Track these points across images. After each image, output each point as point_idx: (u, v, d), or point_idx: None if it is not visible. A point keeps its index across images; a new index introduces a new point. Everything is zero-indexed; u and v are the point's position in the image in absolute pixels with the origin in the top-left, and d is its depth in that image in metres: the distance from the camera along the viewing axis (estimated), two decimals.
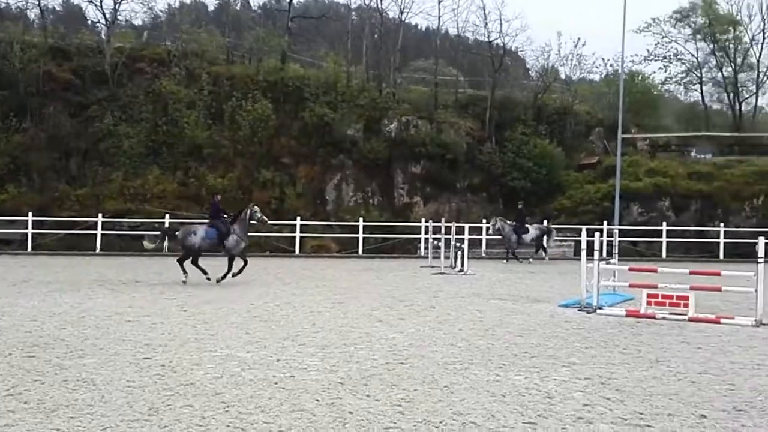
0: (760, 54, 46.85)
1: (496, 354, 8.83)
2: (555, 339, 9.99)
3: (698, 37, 46.52)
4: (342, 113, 34.03)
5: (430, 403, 6.46)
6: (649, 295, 12.62)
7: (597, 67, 43.51)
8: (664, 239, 29.97)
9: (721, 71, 47.31)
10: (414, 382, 7.26)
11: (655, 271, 14.15)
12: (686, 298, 12.35)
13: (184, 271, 16.92)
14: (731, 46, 46.41)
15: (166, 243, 19.76)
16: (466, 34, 45.60)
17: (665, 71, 48.18)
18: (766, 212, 32.16)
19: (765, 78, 47.94)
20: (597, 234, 13.88)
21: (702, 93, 49.67)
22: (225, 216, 17.67)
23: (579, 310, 12.91)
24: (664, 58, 47.45)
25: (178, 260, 17.45)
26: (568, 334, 10.41)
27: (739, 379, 7.72)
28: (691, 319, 11.92)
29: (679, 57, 47.51)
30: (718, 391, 7.14)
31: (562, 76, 42.35)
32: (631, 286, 13.70)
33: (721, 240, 29.85)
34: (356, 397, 6.64)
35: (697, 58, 47.52)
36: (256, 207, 17.86)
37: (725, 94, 48.51)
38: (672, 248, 30.16)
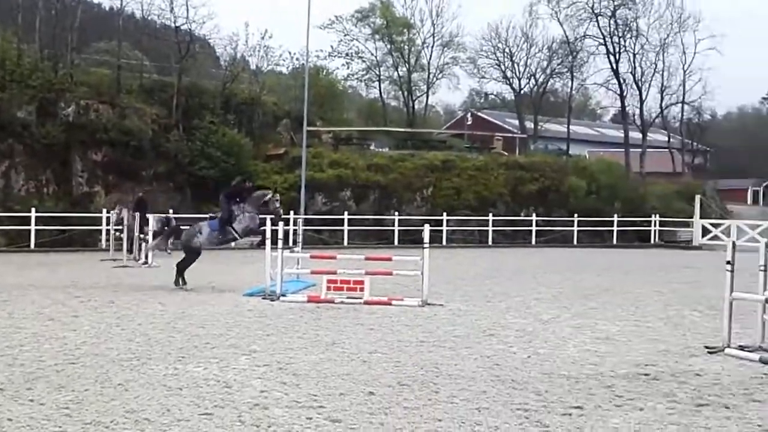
0: (431, 56, 51.30)
1: (175, 347, 8.63)
2: (237, 328, 10.03)
3: (377, 37, 49.64)
4: (11, 94, 30.96)
5: (102, 403, 6.13)
6: (328, 281, 13.20)
7: (284, 60, 44.41)
8: (345, 228, 31.60)
9: (397, 70, 50.99)
10: (85, 382, 6.83)
11: (334, 257, 14.82)
12: (362, 282, 13.11)
13: (184, 282, 14.78)
14: (406, 47, 50.19)
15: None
16: (152, 17, 43.97)
17: (348, 68, 50.73)
18: (434, 202, 35.30)
19: (434, 79, 52.57)
20: (281, 224, 14.20)
21: (381, 90, 53.20)
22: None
23: (263, 298, 13.12)
24: (347, 55, 49.94)
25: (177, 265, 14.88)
26: (251, 323, 10.52)
27: (404, 356, 8.36)
28: (366, 302, 12.69)
29: (360, 55, 50.30)
30: (386, 369, 7.67)
31: (252, 67, 42.66)
32: (313, 273, 14.20)
33: (396, 228, 32.25)
34: (18, 403, 6.08)
35: (376, 57, 50.70)
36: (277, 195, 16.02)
37: (401, 92, 52.42)
38: (353, 236, 31.89)
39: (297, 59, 43.86)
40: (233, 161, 33.33)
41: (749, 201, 65.97)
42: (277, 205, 15.82)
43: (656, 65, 50.23)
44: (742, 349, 8.70)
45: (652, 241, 36.34)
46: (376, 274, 13.71)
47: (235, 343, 8.96)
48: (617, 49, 48.30)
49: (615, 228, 35.69)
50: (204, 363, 7.76)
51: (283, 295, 13.21)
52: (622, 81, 49.00)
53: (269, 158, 35.75)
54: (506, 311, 12.16)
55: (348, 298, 12.86)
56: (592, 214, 35.87)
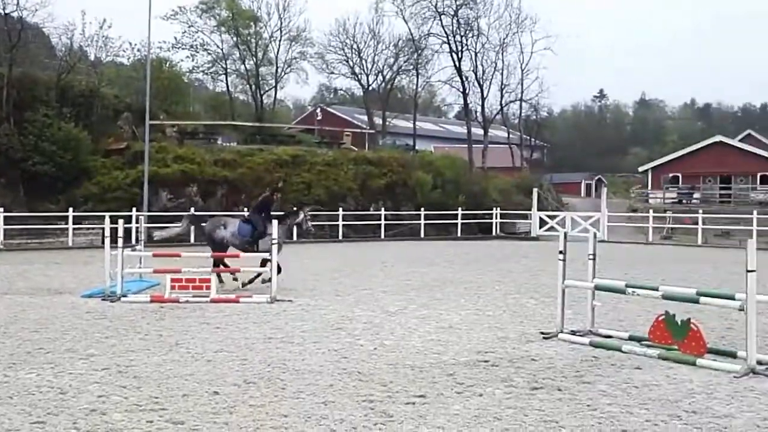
0: (278, 50, 50.88)
1: (6, 353, 8.11)
2: (74, 331, 9.55)
3: (223, 29, 48.63)
4: None
5: None
6: (173, 280, 12.81)
7: (125, 51, 42.55)
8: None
9: (244, 64, 50.22)
10: None
11: (179, 255, 14.39)
12: (208, 280, 12.84)
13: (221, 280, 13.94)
14: (253, 40, 49.50)
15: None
16: None
17: (193, 60, 49.41)
18: (284, 197, 34.98)
19: (283, 73, 52.19)
20: (121, 221, 13.62)
21: (228, 84, 52.17)
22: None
23: (103, 299, 12.55)
24: (191, 47, 48.61)
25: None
26: (89, 325, 10.05)
27: (251, 353, 8.26)
28: (213, 300, 12.43)
29: (205, 47, 49.10)
30: (231, 367, 7.55)
31: (91, 58, 40.63)
32: (155, 271, 13.73)
33: None
34: None
35: (222, 50, 49.69)
36: (309, 214, 15.61)
37: (248, 86, 51.66)
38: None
39: (139, 50, 42.22)
40: (70, 156, 31.69)
41: (582, 193, 70.18)
42: (310, 224, 15.94)
43: (496, 64, 52.39)
44: (573, 334, 9.23)
45: (493, 233, 37.82)
46: (222, 272, 13.45)
47: (72, 347, 8.52)
48: (460, 48, 49.93)
49: (459, 221, 36.85)
50: (37, 369, 7.34)
51: (124, 296, 12.71)
52: (464, 79, 50.72)
53: (109, 153, 34.20)
54: (355, 304, 12.28)
55: (194, 296, 12.55)
56: (437, 208, 36.90)
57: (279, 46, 50.75)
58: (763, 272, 12.25)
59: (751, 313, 7.26)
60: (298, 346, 8.72)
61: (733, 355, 7.98)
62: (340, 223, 33.45)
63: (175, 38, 48.13)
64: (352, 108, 62.75)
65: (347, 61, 53.40)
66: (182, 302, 12.25)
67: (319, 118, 54.93)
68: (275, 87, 52.91)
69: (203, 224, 15.75)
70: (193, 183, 33.62)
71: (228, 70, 50.92)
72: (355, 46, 52.94)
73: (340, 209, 33.88)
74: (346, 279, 16.43)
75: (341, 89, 60.95)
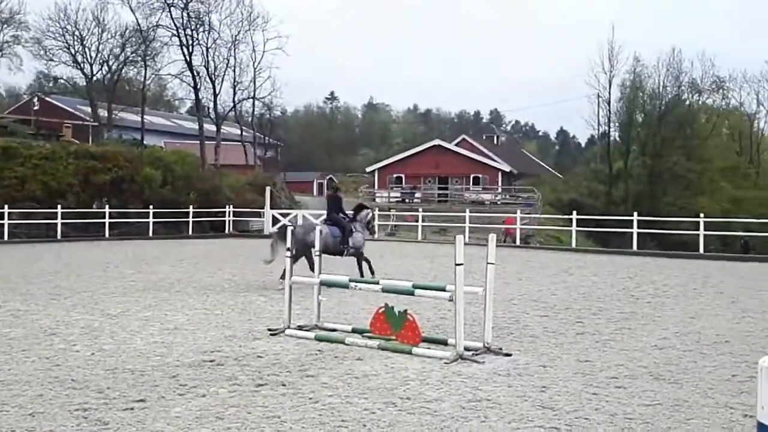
0: None
1: None
2: None
3: None
4: None
5: None
6: None
7: None
8: None
9: None
10: None
11: None
12: None
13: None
14: None
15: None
16: None
17: None
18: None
19: None
20: None
21: None
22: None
23: None
24: None
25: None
26: None
27: None
28: None
29: None
30: None
31: None
32: None
33: None
34: None
35: None
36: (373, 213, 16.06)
37: None
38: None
39: None
40: None
41: (315, 192, 71.89)
42: (374, 223, 16.01)
43: (228, 60, 51.87)
44: (300, 329, 9.40)
45: (226, 231, 37.47)
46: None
47: None
48: (191, 42, 48.72)
49: (191, 219, 36.03)
50: None
51: None
52: (196, 74, 49.57)
53: None
54: (72, 308, 11.49)
55: None
56: (168, 206, 35.76)
57: None
58: (475, 265, 13.41)
59: (459, 303, 7.87)
60: (4, 354, 7.97)
61: (444, 343, 8.60)
62: (59, 221, 31.16)
63: None
64: (75, 99, 58.64)
65: (68, 49, 49.72)
66: None
67: (36, 108, 50.74)
68: None
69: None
70: None
71: None
72: (77, 33, 49.48)
73: (59, 207, 31.51)
74: (63, 281, 15.32)
75: (62, 78, 56.69)
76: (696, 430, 5.56)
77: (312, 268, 12.03)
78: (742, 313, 11.44)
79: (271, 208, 37.22)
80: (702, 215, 26.48)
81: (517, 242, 31.12)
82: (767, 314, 11.29)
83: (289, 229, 10.37)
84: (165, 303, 12.15)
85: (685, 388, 6.74)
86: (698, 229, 25.66)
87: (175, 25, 48.24)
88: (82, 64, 50.44)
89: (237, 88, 53.61)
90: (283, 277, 13.04)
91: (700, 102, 66.42)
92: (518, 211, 33.27)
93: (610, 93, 61.46)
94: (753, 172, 69.68)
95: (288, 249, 9.62)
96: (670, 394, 6.52)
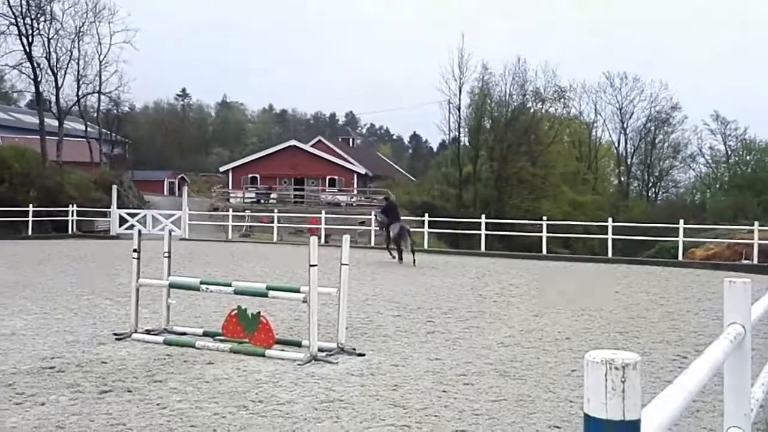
0: None
1: None
2: None
3: None
4: None
5: None
6: None
7: None
8: None
9: None
10: None
11: None
12: None
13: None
14: None
15: None
16: None
17: None
18: None
19: None
20: None
21: None
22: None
23: None
24: None
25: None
26: None
27: None
28: None
29: None
30: None
31: None
32: None
33: None
34: None
35: None
36: None
37: None
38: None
39: None
40: None
41: (165, 191, 69.80)
42: None
43: (72, 53, 49.25)
44: (148, 333, 9.09)
45: (70, 232, 35.63)
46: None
47: None
48: (30, 32, 45.97)
49: (30, 218, 34.00)
50: None
51: None
52: (36, 65, 46.80)
53: None
54: None
55: None
56: (5, 204, 33.55)
57: None
58: (330, 266, 13.45)
59: (313, 304, 7.87)
60: None
61: (298, 344, 8.57)
62: None
63: None
64: None
65: None
66: None
67: None
68: None
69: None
70: None
71: None
72: None
73: None
74: None
75: None
76: (538, 423, 5.84)
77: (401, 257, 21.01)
78: (581, 311, 12.12)
79: (118, 208, 35.76)
80: (545, 218, 27.85)
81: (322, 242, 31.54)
82: (604, 312, 12.02)
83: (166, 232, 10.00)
84: (1, 308, 11.39)
85: (529, 384, 7.06)
86: (542, 231, 26.97)
87: (14, 13, 45.28)
88: None
89: (81, 82, 50.97)
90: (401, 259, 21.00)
91: (543, 110, 69.67)
92: (373, 213, 33.70)
93: (460, 99, 63.35)
94: (591, 178, 74.06)
95: (135, 250, 9.27)
96: (515, 390, 6.81)
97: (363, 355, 8.20)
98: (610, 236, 25.64)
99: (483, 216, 29.48)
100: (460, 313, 11.70)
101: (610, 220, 26.78)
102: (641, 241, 31.34)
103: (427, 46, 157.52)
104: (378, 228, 24.87)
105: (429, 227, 30.17)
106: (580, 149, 76.60)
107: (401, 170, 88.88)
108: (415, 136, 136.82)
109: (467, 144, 67.24)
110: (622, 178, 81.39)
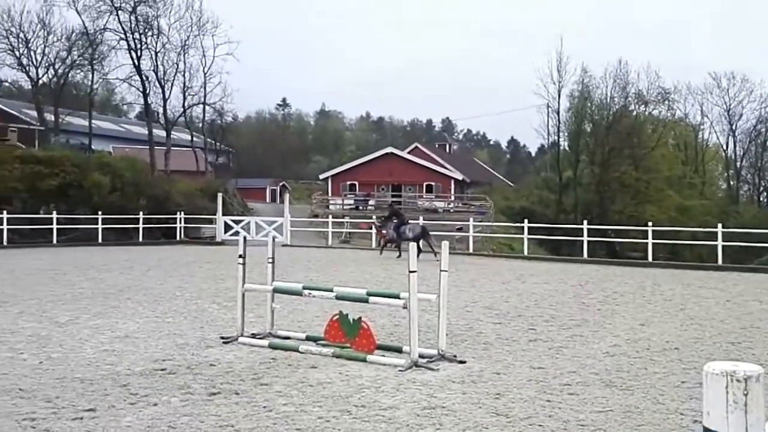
0: None
1: None
2: None
3: None
4: None
5: None
6: None
7: None
8: None
9: None
10: None
11: None
12: None
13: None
14: None
15: None
16: None
17: None
18: None
19: None
20: None
21: None
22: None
23: None
24: None
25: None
26: None
27: None
28: None
29: None
30: None
31: None
32: None
33: None
34: None
35: None
36: None
37: None
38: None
39: None
40: None
41: (267, 199, 71.50)
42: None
43: (178, 65, 51.28)
44: (254, 337, 9.31)
45: (178, 238, 36.97)
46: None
47: None
48: (139, 46, 48.07)
49: (141, 225, 35.48)
50: None
51: None
52: (145, 78, 48.92)
53: None
54: (18, 316, 11.22)
55: None
56: (117, 211, 35.15)
57: None
58: (428, 272, 13.47)
59: (413, 310, 7.88)
60: None
61: (399, 350, 8.60)
62: (5, 227, 30.43)
63: None
64: (20, 102, 57.32)
65: (13, 51, 48.52)
66: None
67: None
68: None
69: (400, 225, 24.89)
70: None
71: None
72: (22, 36, 48.33)
73: (5, 212, 30.75)
74: (9, 288, 14.95)
75: (6, 81, 55.39)
76: None
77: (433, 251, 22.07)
78: (689, 320, 11.68)
79: (223, 215, 36.84)
80: (650, 224, 27.01)
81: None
82: (714, 321, 11.55)
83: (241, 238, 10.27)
84: (115, 311, 11.93)
85: (636, 395, 6.85)
86: (647, 238, 26.16)
87: (123, 28, 47.60)
88: (27, 67, 49.27)
89: (187, 93, 53.05)
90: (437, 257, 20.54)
91: (646, 113, 67.77)
92: (471, 219, 33.50)
93: (559, 103, 62.41)
94: (699, 182, 71.41)
95: (241, 256, 9.52)
96: (622, 401, 6.62)
97: (464, 362, 8.16)
98: (720, 243, 24.62)
99: (584, 222, 28.86)
100: (562, 321, 11.48)
101: (719, 226, 25.69)
102: (753, 248, 29.97)
103: (525, 50, 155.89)
104: (384, 230, 26.70)
105: (528, 233, 29.76)
106: (686, 152, 74.05)
107: (499, 176, 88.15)
108: (513, 141, 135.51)
109: (567, 148, 66.07)
110: (732, 182, 78.18)
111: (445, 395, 6.73)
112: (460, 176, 63.17)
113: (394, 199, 59.11)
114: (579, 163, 63.17)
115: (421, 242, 23.44)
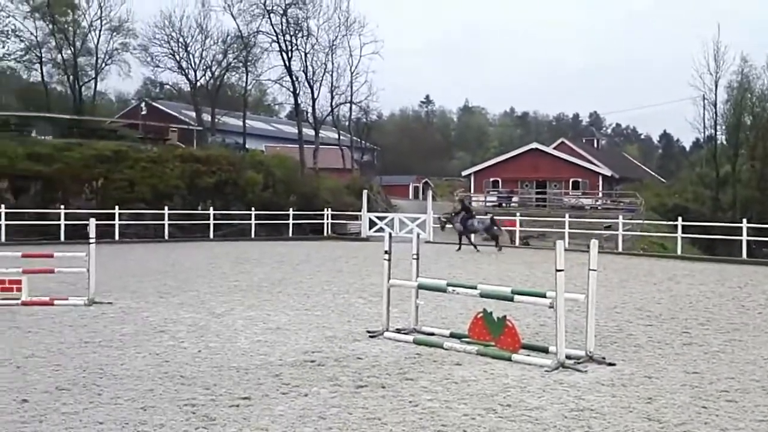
0: (98, 40, 48.50)
1: None
2: None
3: (37, 15, 45.75)
4: None
5: None
6: None
7: None
8: (3, 222, 28.64)
9: (61, 53, 47.47)
10: None
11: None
12: (19, 282, 12.01)
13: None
14: (70, 28, 46.89)
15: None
16: None
17: (3, 47, 46.10)
18: (105, 195, 33.46)
19: (103, 64, 49.81)
20: None
21: (42, 73, 49.14)
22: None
23: None
24: (1, 32, 45.38)
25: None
26: None
27: (65, 358, 7.81)
28: (24, 303, 11.67)
29: (17, 33, 45.99)
30: (44, 374, 7.11)
31: None
32: None
33: (62, 222, 29.79)
34: None
35: (36, 37, 46.74)
36: None
37: (66, 76, 48.89)
38: (12, 232, 29.02)
39: None
40: None
41: (411, 195, 72.13)
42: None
43: (326, 65, 52.60)
44: (399, 332, 9.44)
45: (325, 234, 38.01)
46: (34, 272, 12.63)
47: None
48: (290, 47, 49.71)
49: (291, 221, 36.74)
50: None
51: None
52: (295, 79, 50.56)
53: None
54: (179, 306, 11.92)
55: (3, 299, 11.70)
56: (269, 208, 36.61)
57: (99, 35, 48.50)
58: (575, 271, 13.15)
59: (560, 309, 7.73)
60: (117, 350, 8.34)
61: (545, 350, 8.47)
62: (166, 222, 32.38)
63: None
64: (180, 104, 60.84)
65: (173, 55, 51.57)
66: None
67: (144, 112, 52.93)
68: (95, 79, 50.52)
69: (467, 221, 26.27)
70: (3, 179, 31.33)
71: (43, 59, 47.98)
72: (181, 40, 51.23)
73: (166, 208, 32.73)
74: (171, 280, 15.91)
75: (167, 84, 58.92)
76: None
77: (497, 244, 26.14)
78: None
79: (368, 212, 37.51)
80: None
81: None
82: None
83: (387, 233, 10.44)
84: (267, 303, 12.44)
85: None
86: None
87: (275, 31, 49.39)
88: (186, 70, 52.26)
89: (334, 93, 54.32)
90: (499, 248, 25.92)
91: None
92: (620, 217, 32.38)
93: (716, 95, 59.03)
94: None
95: (386, 252, 9.66)
96: None
97: (613, 364, 7.92)
98: None
99: (744, 220, 27.24)
100: (719, 324, 10.90)
101: None
102: None
103: (676, 40, 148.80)
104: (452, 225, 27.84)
105: (682, 232, 28.39)
106: None
107: (650, 171, 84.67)
108: (665, 135, 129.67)
109: (724, 142, 62.48)
110: None
111: (594, 398, 6.57)
112: (608, 172, 61.23)
113: (538, 196, 58.11)
114: (738, 158, 59.61)
115: (486, 234, 26.38)
